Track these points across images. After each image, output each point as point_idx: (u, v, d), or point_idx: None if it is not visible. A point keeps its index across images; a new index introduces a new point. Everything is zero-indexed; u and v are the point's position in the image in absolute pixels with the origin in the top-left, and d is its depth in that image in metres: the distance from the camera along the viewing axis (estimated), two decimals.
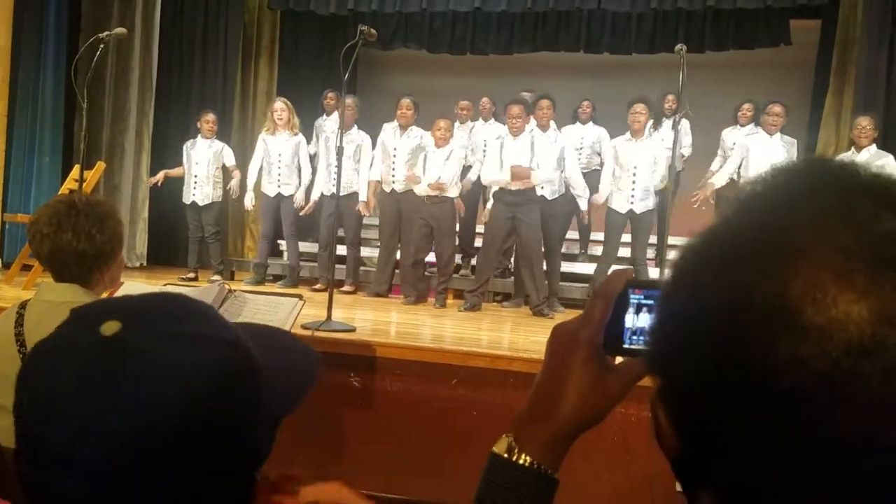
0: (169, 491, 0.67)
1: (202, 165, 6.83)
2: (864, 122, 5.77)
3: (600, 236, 6.50)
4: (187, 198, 6.87)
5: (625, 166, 5.86)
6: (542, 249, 5.84)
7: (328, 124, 7.37)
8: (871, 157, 5.68)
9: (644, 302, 0.67)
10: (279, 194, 6.71)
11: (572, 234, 7.23)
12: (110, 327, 0.68)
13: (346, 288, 6.50)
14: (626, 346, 0.68)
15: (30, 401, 0.69)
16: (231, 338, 0.74)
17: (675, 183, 4.96)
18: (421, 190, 5.99)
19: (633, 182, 5.83)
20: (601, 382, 0.68)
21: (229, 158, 6.94)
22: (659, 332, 0.49)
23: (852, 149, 5.87)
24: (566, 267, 6.57)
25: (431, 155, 6.06)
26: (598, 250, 6.52)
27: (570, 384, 0.68)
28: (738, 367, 0.42)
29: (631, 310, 0.68)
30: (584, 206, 6.10)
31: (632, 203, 5.84)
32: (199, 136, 6.89)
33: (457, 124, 6.83)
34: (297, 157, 6.70)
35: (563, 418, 0.68)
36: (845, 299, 0.40)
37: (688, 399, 0.46)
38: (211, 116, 6.90)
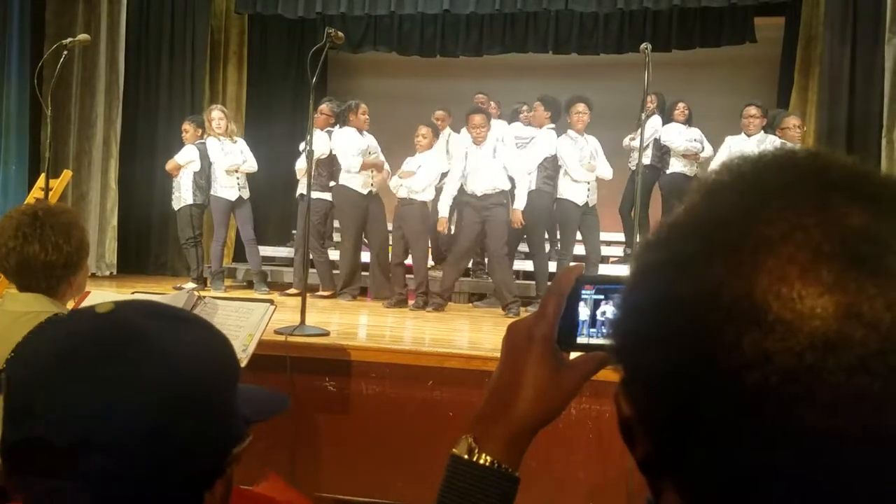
0: (143, 455, 0.70)
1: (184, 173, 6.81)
2: (794, 122, 5.88)
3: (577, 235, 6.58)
4: (175, 204, 6.87)
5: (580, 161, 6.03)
6: (507, 249, 5.92)
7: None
8: None
9: (595, 297, 0.69)
10: (240, 198, 6.64)
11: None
12: (104, 306, 0.76)
13: (323, 293, 6.46)
14: (579, 341, 0.70)
15: (22, 367, 0.73)
16: (215, 328, 0.82)
17: (643, 179, 5.00)
18: (394, 185, 6.06)
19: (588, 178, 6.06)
20: (557, 377, 0.69)
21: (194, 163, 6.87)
22: (623, 324, 0.49)
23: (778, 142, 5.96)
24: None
25: (412, 159, 6.13)
26: (574, 249, 6.52)
27: (527, 380, 0.68)
28: (704, 361, 0.41)
29: (583, 305, 0.69)
30: (518, 204, 6.00)
31: (588, 196, 6.04)
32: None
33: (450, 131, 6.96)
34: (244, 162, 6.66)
35: (520, 415, 0.68)
36: (811, 294, 0.39)
37: (652, 392, 0.46)
38: (184, 125, 6.89)
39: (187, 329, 0.78)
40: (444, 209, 5.97)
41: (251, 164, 6.68)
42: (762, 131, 6.10)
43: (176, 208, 6.82)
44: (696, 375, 0.42)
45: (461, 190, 5.89)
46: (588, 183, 6.03)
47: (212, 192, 6.67)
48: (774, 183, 0.44)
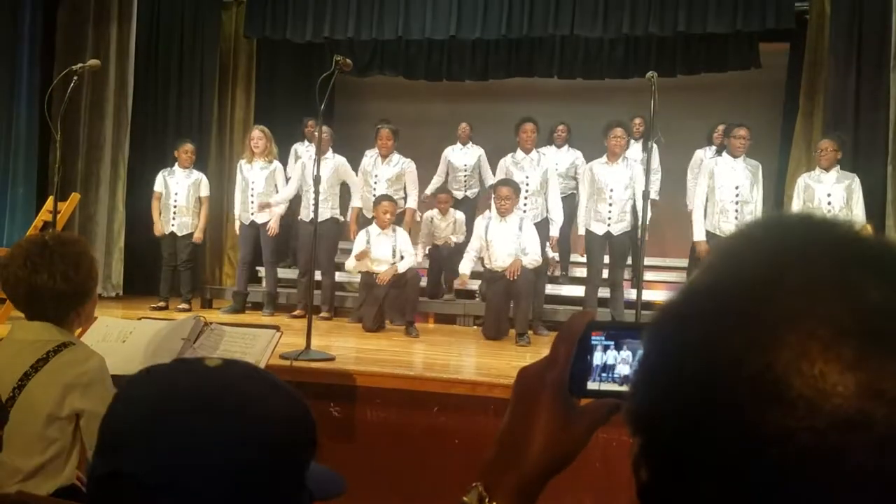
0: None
1: (181, 195, 6.81)
2: (825, 144, 5.86)
3: (577, 258, 6.70)
4: (165, 227, 6.83)
5: (601, 189, 5.96)
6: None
7: (308, 152, 7.35)
8: (838, 178, 5.77)
9: (606, 343, 0.69)
10: (253, 222, 6.71)
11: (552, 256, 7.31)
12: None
13: (323, 314, 6.48)
14: (590, 387, 0.69)
15: (123, 406, 0.78)
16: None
17: (647, 206, 4.99)
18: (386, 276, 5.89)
19: (610, 204, 5.95)
20: (568, 425, 0.68)
21: (205, 189, 6.92)
22: (641, 393, 0.48)
23: (817, 169, 5.91)
24: (548, 289, 6.60)
25: (375, 238, 6.05)
26: (577, 272, 6.58)
27: (538, 427, 0.67)
28: (723, 436, 0.41)
29: (593, 352, 0.69)
30: (554, 231, 6.12)
31: (609, 225, 5.96)
32: (177, 165, 6.87)
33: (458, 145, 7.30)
34: (273, 185, 6.68)
35: (531, 463, 0.67)
36: (832, 371, 0.39)
37: (670, 460, 0.45)
38: (189, 146, 6.89)
39: (282, 396, 0.82)
40: (465, 269, 5.82)
41: (282, 195, 6.62)
42: (745, 156, 6.01)
43: (180, 234, 6.83)
44: (714, 448, 0.42)
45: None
46: (609, 213, 5.93)
47: None
48: (794, 253, 0.44)
